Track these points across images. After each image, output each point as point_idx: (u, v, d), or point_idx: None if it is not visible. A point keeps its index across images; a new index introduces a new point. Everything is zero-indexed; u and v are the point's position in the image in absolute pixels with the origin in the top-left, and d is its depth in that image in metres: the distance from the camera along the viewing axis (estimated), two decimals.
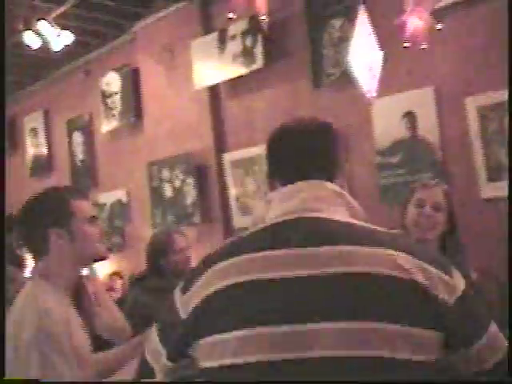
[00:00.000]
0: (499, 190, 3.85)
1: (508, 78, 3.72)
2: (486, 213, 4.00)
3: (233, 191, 5.65)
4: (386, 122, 4.58)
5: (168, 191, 6.29)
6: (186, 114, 6.10)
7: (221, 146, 5.80)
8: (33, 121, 8.28)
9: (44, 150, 8.13)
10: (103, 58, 7.11)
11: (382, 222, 1.28)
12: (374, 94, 3.46)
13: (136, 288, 3.39)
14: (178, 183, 6.18)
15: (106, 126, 7.04)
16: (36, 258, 1.91)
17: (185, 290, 1.21)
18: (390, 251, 1.10)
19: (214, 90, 5.88)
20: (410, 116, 4.48)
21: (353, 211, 1.23)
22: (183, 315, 1.18)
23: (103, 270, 7.17)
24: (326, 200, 1.20)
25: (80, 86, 7.47)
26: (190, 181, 6.04)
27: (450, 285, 1.11)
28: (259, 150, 5.27)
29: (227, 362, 1.10)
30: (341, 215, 1.19)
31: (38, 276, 1.87)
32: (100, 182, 7.36)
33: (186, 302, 1.19)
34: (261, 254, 1.13)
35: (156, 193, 6.41)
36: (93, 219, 1.92)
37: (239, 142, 5.63)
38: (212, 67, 5.66)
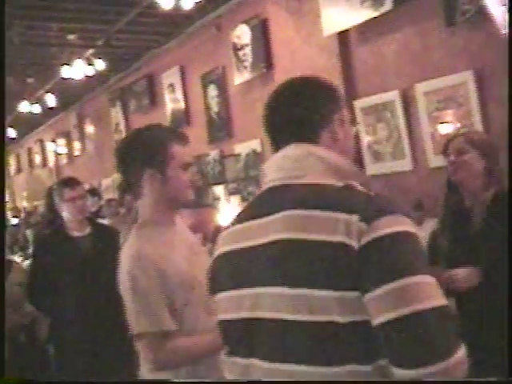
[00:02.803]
0: None
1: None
2: None
3: (364, 138, 5.62)
4: None
5: None
6: (315, 61, 6.08)
7: (351, 93, 5.74)
8: (170, 77, 8.66)
9: (181, 105, 8.51)
10: (233, 11, 7.23)
11: None
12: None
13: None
14: None
15: (238, 78, 7.21)
16: (135, 201, 1.88)
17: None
18: (335, 214, 1.06)
19: (342, 36, 5.80)
20: None
21: (338, 170, 1.22)
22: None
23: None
24: (302, 166, 1.21)
25: (212, 40, 7.68)
26: None
27: (364, 230, 1.03)
28: (391, 95, 5.18)
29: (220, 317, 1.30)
30: (315, 178, 1.18)
31: (137, 223, 1.87)
32: (235, 132, 7.60)
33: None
34: (240, 225, 1.27)
35: None
36: (187, 166, 1.88)
37: (370, 88, 5.55)
38: (340, 12, 5.57)
